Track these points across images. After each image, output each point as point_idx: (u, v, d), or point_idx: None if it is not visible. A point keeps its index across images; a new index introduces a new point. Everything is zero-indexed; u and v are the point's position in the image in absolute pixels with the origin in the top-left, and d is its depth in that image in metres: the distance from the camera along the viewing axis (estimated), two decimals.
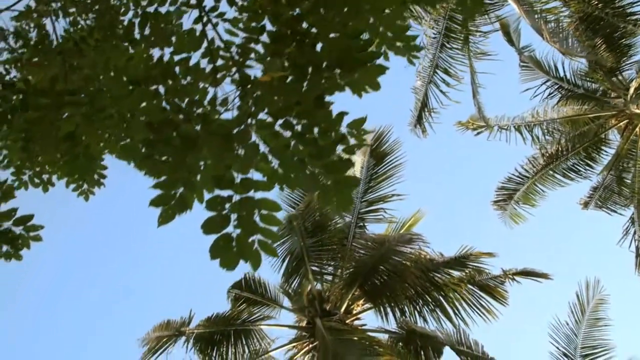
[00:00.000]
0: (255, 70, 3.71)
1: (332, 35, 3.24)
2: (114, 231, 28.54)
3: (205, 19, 3.96)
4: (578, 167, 16.65)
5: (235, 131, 3.06)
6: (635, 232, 16.83)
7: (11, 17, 4.72)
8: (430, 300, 12.90)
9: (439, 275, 12.75)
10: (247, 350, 14.00)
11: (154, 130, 3.06)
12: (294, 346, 14.79)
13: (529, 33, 16.20)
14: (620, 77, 16.23)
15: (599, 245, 26.55)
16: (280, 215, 14.31)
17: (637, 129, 16.46)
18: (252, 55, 3.74)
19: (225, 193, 3.09)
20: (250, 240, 3.02)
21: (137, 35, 4.18)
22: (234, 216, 3.08)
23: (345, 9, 3.25)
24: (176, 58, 3.86)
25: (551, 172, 16.58)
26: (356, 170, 14.22)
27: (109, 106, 3.85)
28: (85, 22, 4.50)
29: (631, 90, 15.65)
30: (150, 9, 4.27)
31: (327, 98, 3.39)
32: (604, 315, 14.34)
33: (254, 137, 3.25)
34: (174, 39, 4.37)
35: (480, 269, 12.84)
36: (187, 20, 4.18)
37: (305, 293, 14.23)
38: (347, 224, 14.00)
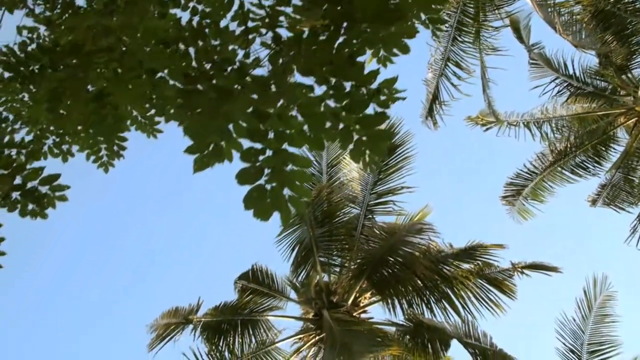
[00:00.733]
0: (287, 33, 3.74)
1: None
2: (132, 208, 28.68)
3: None
4: (586, 164, 16.65)
5: (271, 81, 3.06)
6: None
7: None
8: (438, 293, 12.89)
9: (447, 268, 12.73)
10: (253, 341, 14.01)
11: (190, 80, 3.08)
12: (300, 338, 14.79)
13: (539, 30, 16.26)
14: (630, 75, 16.22)
15: (607, 242, 26.52)
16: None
17: None
18: (282, 18, 3.76)
19: (259, 145, 3.11)
20: (282, 192, 3.04)
21: None
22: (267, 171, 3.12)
23: None
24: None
25: (559, 168, 16.58)
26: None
27: (138, 67, 3.87)
28: None
29: None
30: None
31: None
32: (611, 311, 14.31)
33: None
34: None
35: (489, 262, 12.83)
36: None
37: (312, 284, 14.23)
38: (356, 216, 14.01)
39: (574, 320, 14.40)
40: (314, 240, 13.25)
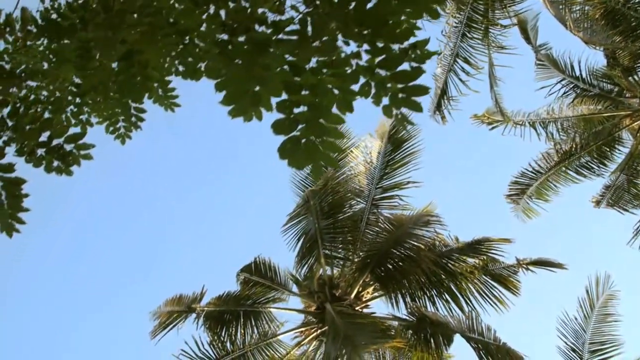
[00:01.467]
0: None
1: None
2: (152, 187, 28.80)
3: None
4: (591, 165, 16.70)
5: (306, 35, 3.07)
6: None
7: None
8: (442, 288, 12.89)
9: (452, 262, 12.74)
10: (255, 332, 13.98)
11: (228, 30, 3.08)
12: (301, 332, 14.77)
13: (547, 29, 16.29)
14: (636, 77, 16.27)
15: (611, 243, 26.59)
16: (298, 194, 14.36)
17: None
18: None
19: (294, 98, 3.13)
20: (316, 145, 3.06)
21: None
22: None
23: None
24: None
25: (564, 168, 16.61)
26: (373, 157, 14.26)
27: (168, 26, 3.89)
28: None
29: None
30: None
31: None
32: (614, 311, 14.29)
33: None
34: None
35: (494, 258, 12.83)
36: None
37: (316, 277, 14.22)
38: (361, 209, 14.01)
39: (576, 319, 14.38)
40: (319, 232, 13.24)
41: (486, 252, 12.59)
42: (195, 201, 28.60)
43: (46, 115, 4.09)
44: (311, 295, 14.36)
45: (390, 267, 12.94)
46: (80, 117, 5.35)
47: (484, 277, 13.01)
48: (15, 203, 3.99)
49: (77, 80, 5.05)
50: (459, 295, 12.97)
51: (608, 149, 16.78)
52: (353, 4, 3.48)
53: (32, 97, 4.18)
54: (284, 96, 3.11)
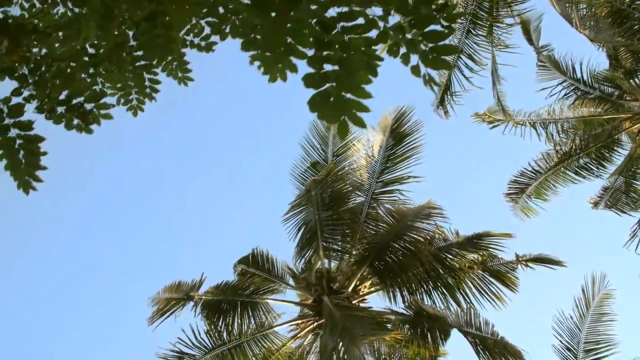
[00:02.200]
0: None
1: None
2: (170, 167, 28.83)
3: None
4: (590, 167, 16.79)
5: None
6: None
7: None
8: (440, 282, 12.89)
9: (451, 257, 12.75)
10: (252, 322, 13.94)
11: None
12: (297, 324, 14.75)
13: (550, 30, 16.37)
14: (637, 81, 16.37)
15: (608, 244, 26.72)
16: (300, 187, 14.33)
17: None
18: None
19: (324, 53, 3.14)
20: (346, 98, 3.07)
21: None
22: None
23: None
24: None
25: (563, 169, 16.69)
26: (374, 150, 14.26)
27: None
28: None
29: None
30: None
31: None
32: (609, 310, 14.35)
33: None
34: None
35: (493, 254, 12.85)
36: None
37: (314, 270, 14.21)
38: (361, 203, 14.01)
39: (572, 318, 14.43)
40: (319, 224, 13.23)
41: (486, 247, 12.61)
42: (201, 188, 28.71)
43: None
44: (308, 287, 14.35)
45: (389, 260, 12.94)
46: (94, 87, 5.35)
47: (481, 273, 13.03)
48: (33, 160, 3.97)
49: (92, 51, 5.05)
50: (457, 291, 12.97)
51: (607, 151, 16.88)
52: None
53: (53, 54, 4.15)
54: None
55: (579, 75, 16.96)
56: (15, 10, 4.74)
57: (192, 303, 13.27)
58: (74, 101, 4.06)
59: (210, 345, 13.34)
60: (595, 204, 17.08)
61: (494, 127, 16.88)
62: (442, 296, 12.98)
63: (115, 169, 28.74)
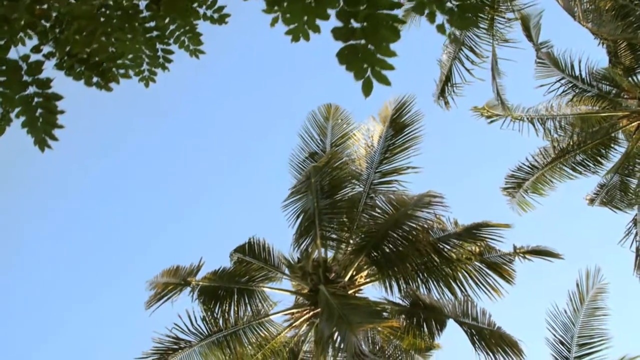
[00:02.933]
0: None
1: None
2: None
3: None
4: (587, 163, 16.90)
5: None
6: (637, 234, 17.07)
7: None
8: (437, 272, 12.92)
9: (449, 247, 12.78)
10: (249, 310, 13.94)
11: None
12: (292, 314, 14.75)
13: (550, 24, 16.45)
14: (636, 78, 16.50)
15: (603, 240, 26.88)
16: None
17: None
18: None
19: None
20: (373, 52, 3.09)
21: None
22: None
23: None
24: None
25: (560, 165, 16.80)
26: (374, 140, 14.29)
27: None
28: None
29: None
30: None
31: None
32: (603, 304, 14.41)
33: None
34: None
35: (490, 246, 12.90)
36: None
37: (311, 258, 14.21)
38: (359, 193, 14.02)
39: (566, 312, 14.50)
40: (317, 212, 13.23)
41: (484, 237, 12.65)
42: (203, 173, 28.77)
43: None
44: (305, 276, 14.35)
45: (387, 249, 12.95)
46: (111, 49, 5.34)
47: (478, 264, 13.08)
48: (51, 118, 3.96)
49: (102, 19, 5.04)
50: (453, 282, 13.01)
51: (604, 149, 17.00)
52: None
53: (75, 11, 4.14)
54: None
55: (577, 73, 17.05)
56: None
57: (189, 288, 13.25)
58: (93, 60, 4.05)
59: (206, 332, 13.33)
60: (591, 201, 17.20)
61: (492, 122, 16.97)
62: (438, 287, 13.02)
63: (115, 153, 28.75)
